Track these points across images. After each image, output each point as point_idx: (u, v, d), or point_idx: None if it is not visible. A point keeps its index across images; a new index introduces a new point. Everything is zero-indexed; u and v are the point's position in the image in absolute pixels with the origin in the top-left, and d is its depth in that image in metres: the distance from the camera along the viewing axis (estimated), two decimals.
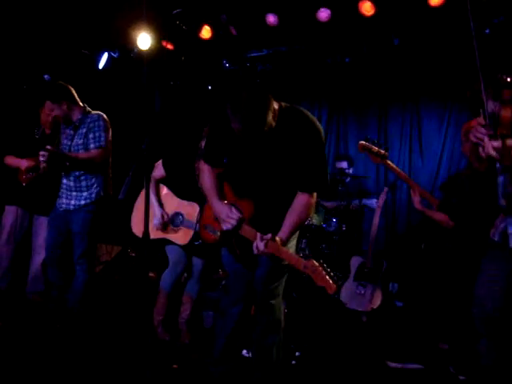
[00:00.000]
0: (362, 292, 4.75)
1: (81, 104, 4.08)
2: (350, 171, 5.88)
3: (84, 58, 6.53)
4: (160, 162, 3.83)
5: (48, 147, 3.78)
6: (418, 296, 4.02)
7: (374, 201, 5.44)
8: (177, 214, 3.81)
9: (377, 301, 4.66)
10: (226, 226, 2.66)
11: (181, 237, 3.76)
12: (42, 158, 3.79)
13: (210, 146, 2.84)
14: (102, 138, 3.94)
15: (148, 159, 2.40)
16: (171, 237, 3.80)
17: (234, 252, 2.70)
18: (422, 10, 5.17)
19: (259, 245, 2.51)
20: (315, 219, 5.44)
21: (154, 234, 3.74)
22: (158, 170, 3.80)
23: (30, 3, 5.45)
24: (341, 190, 5.46)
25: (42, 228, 4.63)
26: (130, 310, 4.55)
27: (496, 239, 2.55)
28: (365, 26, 5.58)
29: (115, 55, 6.65)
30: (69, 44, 6.16)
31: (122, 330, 4.11)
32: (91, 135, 3.94)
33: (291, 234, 2.65)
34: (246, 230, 2.62)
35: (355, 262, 4.95)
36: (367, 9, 5.19)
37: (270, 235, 2.51)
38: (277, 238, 2.54)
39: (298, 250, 5.40)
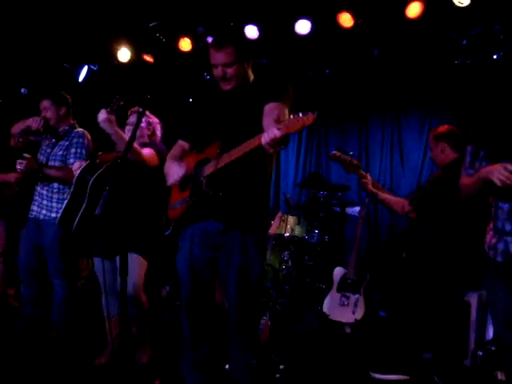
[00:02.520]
0: (346, 303, 4.74)
1: (71, 120, 4.19)
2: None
3: (64, 72, 6.50)
4: None
5: (26, 155, 3.78)
6: (401, 305, 4.02)
7: (357, 208, 5.46)
8: None
9: (360, 312, 4.64)
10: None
11: None
12: (19, 166, 3.80)
13: (189, 125, 2.93)
14: (83, 156, 3.99)
15: (125, 173, 2.39)
16: None
17: (204, 194, 2.55)
18: (400, 22, 5.23)
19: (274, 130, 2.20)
20: (297, 231, 5.43)
21: None
22: None
23: (8, 17, 5.41)
24: (322, 201, 5.46)
25: None
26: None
27: (500, 260, 2.56)
28: (344, 38, 5.63)
29: (95, 68, 6.63)
30: (48, 57, 6.12)
31: (103, 345, 4.04)
32: (73, 150, 3.99)
33: None
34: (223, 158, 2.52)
35: (338, 273, 4.94)
36: (346, 20, 5.23)
37: None
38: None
39: (281, 262, 5.39)
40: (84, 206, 3.35)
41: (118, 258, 3.14)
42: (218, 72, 2.70)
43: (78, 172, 3.56)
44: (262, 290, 2.81)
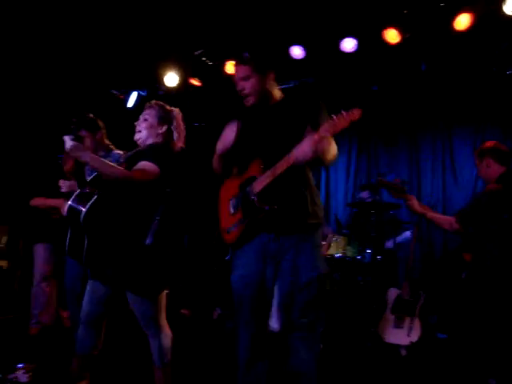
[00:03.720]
0: (400, 325, 4.61)
1: (106, 141, 4.14)
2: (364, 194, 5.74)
3: (113, 99, 6.66)
4: None
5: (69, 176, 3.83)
6: (463, 328, 3.87)
7: (408, 232, 5.36)
8: None
9: (416, 334, 4.51)
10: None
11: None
12: (61, 185, 3.85)
13: (235, 149, 2.84)
14: None
15: (174, 202, 2.40)
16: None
17: (260, 211, 2.56)
18: (447, 35, 5.13)
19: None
20: (349, 251, 5.34)
21: None
22: None
23: (58, 48, 5.59)
24: (373, 220, 5.33)
25: None
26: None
27: None
28: (391, 54, 5.56)
29: (144, 94, 6.76)
30: (98, 85, 6.29)
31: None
32: None
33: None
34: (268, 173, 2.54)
35: (392, 294, 4.82)
36: (392, 37, 5.17)
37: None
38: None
39: (333, 283, 5.30)
40: (86, 241, 3.02)
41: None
42: (237, 87, 2.73)
43: (68, 204, 3.25)
44: (319, 291, 2.67)
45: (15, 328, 5.05)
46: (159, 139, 3.09)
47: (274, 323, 3.93)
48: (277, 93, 2.82)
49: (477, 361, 3.68)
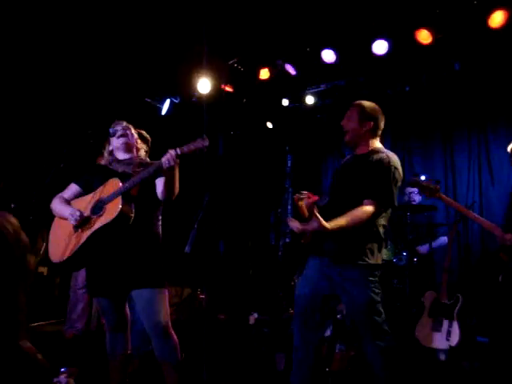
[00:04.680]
0: (439, 328, 4.54)
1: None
2: (418, 198, 5.64)
3: (147, 106, 6.75)
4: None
5: None
6: (502, 331, 3.79)
7: (444, 238, 5.29)
8: (95, 203, 3.12)
9: (455, 338, 4.43)
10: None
11: (109, 212, 2.98)
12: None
13: None
14: None
15: (211, 211, 2.43)
16: (98, 224, 3.01)
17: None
18: (482, 33, 5.06)
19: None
20: (385, 254, 5.28)
21: (78, 239, 3.08)
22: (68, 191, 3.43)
23: (94, 57, 5.70)
24: (409, 222, 5.26)
25: None
26: (199, 352, 4.51)
27: None
28: (423, 54, 5.52)
29: (177, 101, 6.83)
30: (132, 93, 6.39)
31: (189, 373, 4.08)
32: None
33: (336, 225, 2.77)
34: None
35: (429, 297, 4.75)
36: (424, 37, 5.13)
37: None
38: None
39: None
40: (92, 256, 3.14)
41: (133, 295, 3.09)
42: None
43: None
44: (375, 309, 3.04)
45: (57, 333, 5.16)
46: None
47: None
48: (370, 146, 3.05)
49: None
